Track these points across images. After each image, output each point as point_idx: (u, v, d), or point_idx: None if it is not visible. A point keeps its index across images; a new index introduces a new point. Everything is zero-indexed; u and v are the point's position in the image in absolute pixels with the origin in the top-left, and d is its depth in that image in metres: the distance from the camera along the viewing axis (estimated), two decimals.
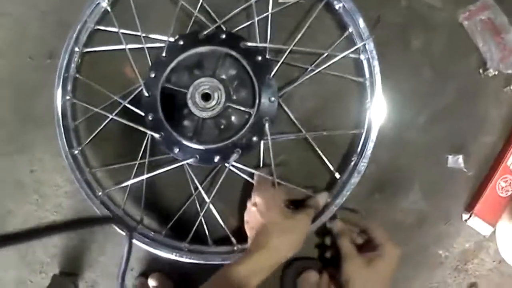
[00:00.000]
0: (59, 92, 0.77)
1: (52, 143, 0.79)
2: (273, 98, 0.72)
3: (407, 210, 0.80)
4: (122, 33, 0.76)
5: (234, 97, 0.73)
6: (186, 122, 0.74)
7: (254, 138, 0.72)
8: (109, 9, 0.78)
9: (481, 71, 0.80)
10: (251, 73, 0.71)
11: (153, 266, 0.81)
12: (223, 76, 0.74)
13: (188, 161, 0.72)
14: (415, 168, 0.79)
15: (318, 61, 0.76)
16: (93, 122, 0.79)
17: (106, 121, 0.77)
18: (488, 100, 0.80)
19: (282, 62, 0.74)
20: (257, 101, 0.71)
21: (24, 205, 0.83)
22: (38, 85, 0.81)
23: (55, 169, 0.82)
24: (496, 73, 0.79)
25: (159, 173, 0.75)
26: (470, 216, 0.78)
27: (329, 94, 0.78)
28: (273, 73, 0.72)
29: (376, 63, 0.73)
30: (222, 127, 0.74)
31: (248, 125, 0.71)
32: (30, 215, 0.83)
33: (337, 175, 0.76)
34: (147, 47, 0.76)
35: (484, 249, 0.81)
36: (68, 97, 0.78)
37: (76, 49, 0.78)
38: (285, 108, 0.76)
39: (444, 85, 0.80)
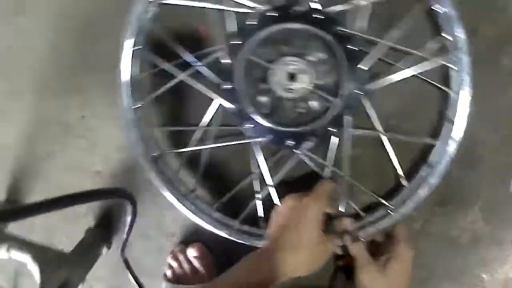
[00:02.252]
0: (128, 40, 0.72)
1: (109, 91, 0.76)
2: (359, 91, 0.69)
3: (464, 228, 0.78)
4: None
5: (318, 82, 0.70)
6: (262, 98, 0.71)
7: (331, 129, 0.69)
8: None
9: None
10: (342, 60, 0.68)
11: (196, 236, 0.79)
12: (311, 58, 0.70)
13: (259, 139, 0.69)
14: (480, 187, 0.77)
15: (412, 64, 0.72)
16: (160, 79, 0.75)
17: (175, 80, 0.73)
18: None
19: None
20: (342, 90, 0.68)
21: (69, 150, 0.79)
22: (105, 29, 0.78)
23: (109, 118, 0.78)
24: None
25: (224, 145, 0.72)
26: None
27: (412, 96, 0.75)
28: (369, 65, 0.69)
29: (468, 78, 0.70)
30: (300, 110, 0.71)
31: (328, 114, 0.68)
32: (73, 160, 0.79)
33: (405, 183, 0.74)
34: (233, 11, 0.71)
35: None
36: (137, 47, 0.73)
37: None
38: (368, 104, 0.73)
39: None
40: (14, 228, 0.78)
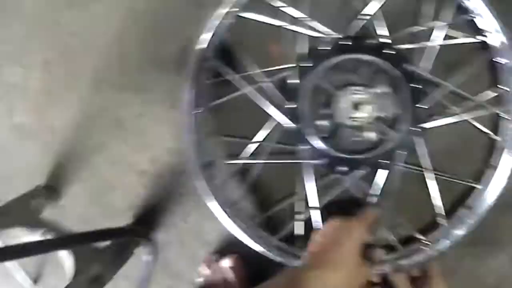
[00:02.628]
0: (202, 46, 0.74)
1: (171, 93, 0.77)
2: (415, 129, 0.71)
3: (491, 270, 0.80)
4: (283, 8, 0.74)
5: (380, 115, 0.72)
6: (322, 122, 0.73)
7: (383, 162, 0.72)
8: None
9: None
10: (405, 96, 0.71)
11: (232, 248, 0.79)
12: (376, 90, 0.73)
13: (314, 161, 0.71)
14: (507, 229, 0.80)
15: (467, 109, 0.75)
16: (221, 88, 0.76)
17: (239, 93, 0.75)
18: None
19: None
20: (400, 125, 0.70)
21: (120, 145, 0.80)
22: (175, 28, 0.79)
23: (163, 121, 0.79)
24: None
25: (278, 163, 0.73)
26: None
27: (461, 138, 0.77)
28: (425, 105, 0.72)
29: None
30: (356, 139, 0.73)
31: (383, 146, 0.71)
32: (122, 156, 0.80)
33: (443, 221, 0.75)
34: (308, 35, 0.74)
35: None
36: (208, 54, 0.75)
37: (234, 9, 0.75)
38: (420, 142, 0.75)
39: None
40: (51, 214, 0.78)
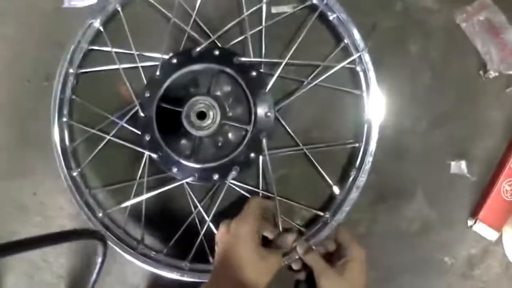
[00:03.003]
0: (55, 115, 0.77)
1: (53, 165, 0.80)
2: (269, 113, 0.72)
3: (411, 218, 0.79)
4: (116, 52, 0.76)
5: (230, 114, 0.74)
6: (183, 141, 0.74)
7: (252, 155, 0.72)
8: (101, 28, 0.78)
9: (481, 73, 0.78)
10: (245, 88, 0.71)
11: (157, 283, 0.80)
12: (218, 93, 0.74)
13: (186, 180, 0.73)
14: (418, 176, 0.78)
15: (314, 74, 0.76)
16: (91, 143, 0.79)
17: (104, 142, 0.77)
18: (490, 102, 0.79)
19: (278, 76, 0.73)
20: (252, 116, 0.71)
21: (28, 227, 0.83)
22: (36, 108, 0.82)
23: (57, 191, 0.82)
24: (497, 74, 0.77)
25: (159, 193, 0.75)
26: (475, 222, 0.77)
27: (326, 106, 0.78)
28: (268, 87, 0.72)
29: (372, 75, 0.73)
30: (220, 144, 0.74)
31: (245, 142, 0.71)
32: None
33: (336, 190, 0.76)
34: (142, 66, 0.76)
35: (490, 254, 0.80)
36: (64, 119, 0.78)
37: (71, 70, 0.78)
38: (282, 122, 0.75)
39: (444, 89, 0.79)
40: None
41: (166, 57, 0.74)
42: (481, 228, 0.78)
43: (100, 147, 0.78)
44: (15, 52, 0.83)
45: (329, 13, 0.75)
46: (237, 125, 0.72)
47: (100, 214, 0.78)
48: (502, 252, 0.79)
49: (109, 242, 0.75)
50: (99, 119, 0.78)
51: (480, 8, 0.78)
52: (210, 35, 0.75)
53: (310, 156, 0.75)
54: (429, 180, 0.78)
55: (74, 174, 0.78)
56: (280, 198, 0.72)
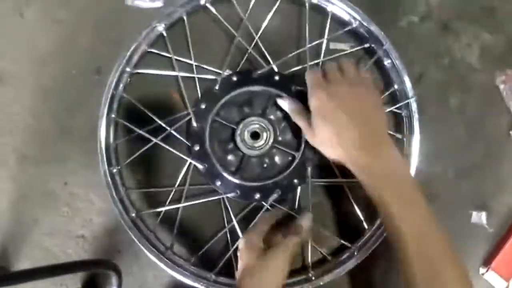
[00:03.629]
0: (104, 110, 0.77)
1: (89, 158, 0.80)
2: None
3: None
4: (176, 59, 0.78)
5: (280, 139, 0.76)
6: (230, 157, 0.76)
7: (295, 181, 0.75)
8: (164, 33, 0.79)
9: (511, 133, 0.84)
10: (278, 92, 0.74)
11: None
12: (271, 117, 0.76)
13: (228, 195, 0.74)
14: (441, 221, 0.82)
15: None
16: (134, 144, 0.80)
17: (149, 144, 0.78)
18: None
19: None
20: (302, 145, 0.74)
21: (53, 216, 0.83)
22: (81, 100, 0.82)
23: (89, 184, 0.82)
24: None
25: (197, 203, 0.77)
26: (487, 270, 0.82)
27: None
28: None
29: (416, 122, 0.77)
30: (265, 166, 0.76)
31: (291, 168, 0.74)
32: (57, 226, 0.83)
33: (365, 225, 0.79)
34: (198, 78, 0.78)
35: None
36: (113, 115, 0.79)
37: (128, 69, 0.78)
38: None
39: (475, 144, 0.83)
40: None
41: (226, 73, 0.76)
42: (492, 277, 0.82)
43: (145, 148, 0.78)
44: (68, 39, 0.83)
45: (384, 58, 0.78)
46: (286, 150, 0.75)
47: (133, 214, 0.78)
48: None
49: (139, 244, 0.76)
50: (145, 122, 0.78)
51: None
52: (270, 60, 0.77)
53: (347, 190, 0.78)
54: (451, 227, 0.82)
55: (114, 170, 0.78)
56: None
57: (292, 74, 0.78)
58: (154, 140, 0.77)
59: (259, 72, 0.75)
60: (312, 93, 0.63)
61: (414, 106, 0.77)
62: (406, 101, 0.77)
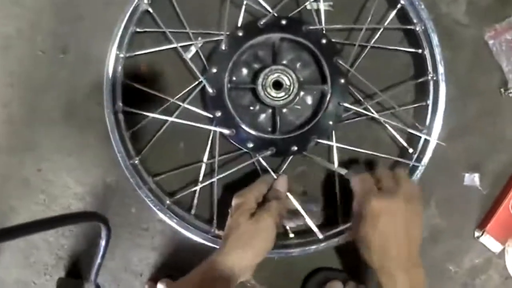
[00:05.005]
0: (110, 101, 0.73)
1: (63, 142, 0.78)
2: (342, 80, 0.73)
3: (423, 225, 0.79)
4: (170, 32, 0.74)
5: (302, 79, 0.74)
6: (261, 117, 0.75)
7: (330, 122, 0.73)
8: (150, 9, 0.75)
9: (502, 90, 0.81)
10: (318, 54, 0.72)
11: (162, 272, 0.79)
12: (284, 62, 0.74)
13: (263, 155, 0.72)
14: (432, 184, 0.80)
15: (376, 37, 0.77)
16: (146, 130, 0.76)
17: (166, 125, 0.75)
18: (507, 119, 0.82)
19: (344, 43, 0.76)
20: (328, 79, 0.72)
21: (29, 204, 0.79)
22: (48, 81, 0.78)
23: (63, 168, 0.79)
24: None
25: (230, 173, 0.74)
26: (482, 234, 0.80)
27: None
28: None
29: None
30: (299, 112, 0.75)
31: (326, 103, 0.72)
32: (36, 214, 0.79)
33: None
34: (200, 44, 0.75)
35: (492, 266, 0.82)
36: (120, 104, 0.74)
37: (121, 54, 0.74)
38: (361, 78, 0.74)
39: (466, 102, 0.81)
40: None
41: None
42: (487, 240, 0.80)
43: (162, 130, 0.75)
44: (30, 21, 0.79)
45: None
46: (313, 86, 0.73)
47: (168, 201, 0.75)
48: (503, 264, 0.82)
49: (180, 229, 0.73)
50: (152, 103, 0.75)
51: (508, 27, 0.80)
52: (269, 8, 0.74)
53: (382, 121, 0.77)
54: (443, 190, 0.81)
55: (135, 161, 0.74)
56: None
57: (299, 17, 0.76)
58: (170, 118, 0.73)
59: (263, 20, 0.72)
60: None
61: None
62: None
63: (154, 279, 0.78)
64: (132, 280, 0.80)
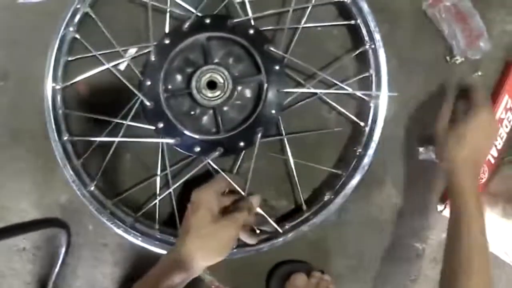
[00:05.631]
0: (54, 134, 0.73)
1: (13, 166, 0.78)
2: (277, 67, 0.72)
3: (381, 206, 0.80)
4: (100, 54, 0.74)
5: (236, 74, 0.74)
6: (204, 119, 0.75)
7: (273, 111, 0.72)
8: (77, 36, 0.74)
9: (447, 58, 0.79)
10: (247, 45, 0.72)
11: (128, 286, 0.74)
12: (216, 60, 0.74)
13: (212, 157, 0.71)
14: (386, 163, 0.79)
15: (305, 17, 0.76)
16: (97, 152, 0.76)
17: (114, 145, 0.74)
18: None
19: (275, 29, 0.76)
20: (262, 68, 0.71)
21: None
22: None
23: (19, 194, 0.79)
24: (463, 60, 0.79)
25: (185, 180, 0.74)
26: (445, 207, 0.79)
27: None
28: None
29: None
30: (238, 103, 0.74)
31: (264, 95, 0.71)
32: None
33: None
34: (130, 58, 0.75)
35: None
36: (65, 138, 0.74)
37: (57, 86, 0.74)
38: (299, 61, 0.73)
39: (411, 75, 0.80)
40: None
41: (200, 14, 0.72)
42: None
43: (110, 152, 0.74)
44: None
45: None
46: (250, 79, 0.73)
47: (132, 219, 0.75)
48: None
49: (146, 246, 0.73)
50: (95, 128, 0.76)
51: None
52: (249, 12, 0.74)
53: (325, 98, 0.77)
54: (398, 167, 0.80)
55: (92, 188, 0.75)
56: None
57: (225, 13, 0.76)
58: (116, 139, 0.73)
59: (187, 23, 0.71)
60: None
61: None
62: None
63: None
64: None
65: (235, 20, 0.72)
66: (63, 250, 0.75)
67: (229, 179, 0.68)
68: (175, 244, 0.64)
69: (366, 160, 0.73)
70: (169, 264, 0.61)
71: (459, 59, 0.78)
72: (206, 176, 0.75)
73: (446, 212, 0.79)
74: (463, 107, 0.73)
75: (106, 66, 0.74)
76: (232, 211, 0.67)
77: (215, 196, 0.66)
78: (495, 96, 0.80)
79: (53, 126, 0.73)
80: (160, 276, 0.60)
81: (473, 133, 0.68)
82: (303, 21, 0.76)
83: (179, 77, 0.74)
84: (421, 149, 0.79)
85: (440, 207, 0.80)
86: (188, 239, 0.62)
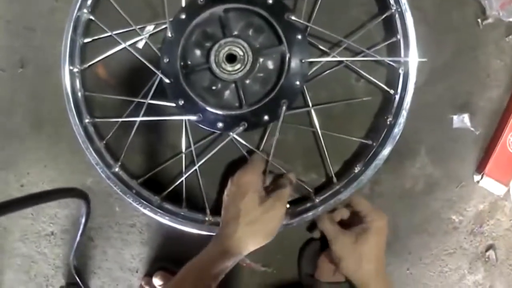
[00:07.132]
0: (75, 117, 0.73)
1: (36, 154, 0.79)
2: (299, 37, 0.69)
3: (415, 177, 0.78)
4: (116, 33, 0.73)
5: (257, 46, 0.71)
6: (225, 95, 0.72)
7: (297, 82, 0.69)
8: (92, 17, 0.75)
9: (479, 21, 0.76)
10: (269, 17, 0.68)
11: (156, 266, 0.79)
12: (235, 33, 0.71)
13: (236, 132, 0.69)
14: (419, 133, 0.77)
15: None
16: (120, 133, 0.76)
17: (136, 125, 0.73)
18: (490, 52, 0.77)
19: None
20: (283, 39, 0.68)
21: (19, 220, 0.81)
22: (13, 98, 0.78)
23: (44, 180, 0.80)
24: (496, 21, 0.75)
25: (210, 156, 0.73)
26: (482, 177, 0.76)
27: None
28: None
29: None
30: (260, 75, 0.71)
31: (287, 66, 0.68)
32: (27, 229, 0.81)
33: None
34: (148, 36, 0.75)
35: (499, 209, 0.79)
36: (87, 120, 0.75)
37: (75, 69, 0.74)
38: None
39: (441, 40, 0.77)
40: None
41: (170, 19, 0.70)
42: (488, 183, 0.76)
43: (133, 132, 0.73)
44: None
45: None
46: (272, 50, 0.70)
47: (157, 200, 0.75)
48: (510, 206, 0.79)
49: (174, 225, 0.72)
50: (117, 108, 0.76)
51: None
52: None
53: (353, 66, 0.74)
54: (432, 137, 0.77)
55: (116, 169, 0.75)
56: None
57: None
58: (137, 119, 0.72)
59: None
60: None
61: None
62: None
63: (149, 274, 0.79)
64: (129, 278, 0.81)
65: None
66: (83, 220, 0.75)
67: (267, 159, 0.69)
68: (223, 229, 0.64)
69: (397, 129, 0.71)
70: (220, 251, 0.62)
71: (491, 21, 0.75)
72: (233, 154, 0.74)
73: (483, 183, 0.76)
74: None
75: (123, 45, 0.74)
76: (274, 189, 0.67)
77: (260, 177, 0.67)
78: None
79: (73, 110, 0.73)
80: (212, 262, 0.61)
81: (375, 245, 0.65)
82: None
83: (198, 52, 0.72)
84: (455, 117, 0.76)
85: (476, 177, 0.77)
86: (240, 228, 0.62)
